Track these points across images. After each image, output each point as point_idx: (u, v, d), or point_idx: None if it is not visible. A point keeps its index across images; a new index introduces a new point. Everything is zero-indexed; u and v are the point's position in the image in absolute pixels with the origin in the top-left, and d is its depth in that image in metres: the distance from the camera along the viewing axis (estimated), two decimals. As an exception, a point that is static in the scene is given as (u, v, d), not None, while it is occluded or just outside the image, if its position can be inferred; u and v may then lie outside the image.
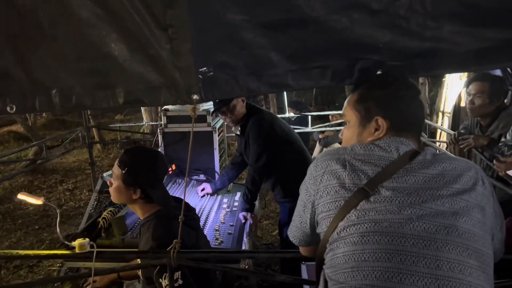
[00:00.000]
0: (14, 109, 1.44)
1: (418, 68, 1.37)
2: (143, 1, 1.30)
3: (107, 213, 2.56)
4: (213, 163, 3.68)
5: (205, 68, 1.38)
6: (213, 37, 1.37)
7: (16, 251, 1.52)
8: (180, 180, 3.49)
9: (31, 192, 6.86)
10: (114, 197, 1.78)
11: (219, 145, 3.74)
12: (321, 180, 1.17)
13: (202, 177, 3.61)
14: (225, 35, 1.37)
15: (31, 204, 6.36)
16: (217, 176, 3.58)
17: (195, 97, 1.40)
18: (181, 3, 1.31)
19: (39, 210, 6.15)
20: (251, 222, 2.80)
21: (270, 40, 1.37)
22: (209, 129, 3.61)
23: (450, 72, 1.43)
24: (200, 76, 1.38)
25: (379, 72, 1.38)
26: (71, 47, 1.39)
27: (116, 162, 1.76)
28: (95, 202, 3.32)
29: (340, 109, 6.83)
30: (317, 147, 6.21)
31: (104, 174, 3.36)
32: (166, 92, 1.40)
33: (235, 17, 1.34)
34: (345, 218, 1.08)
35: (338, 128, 6.05)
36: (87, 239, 1.53)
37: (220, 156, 3.81)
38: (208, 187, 3.28)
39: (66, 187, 7.35)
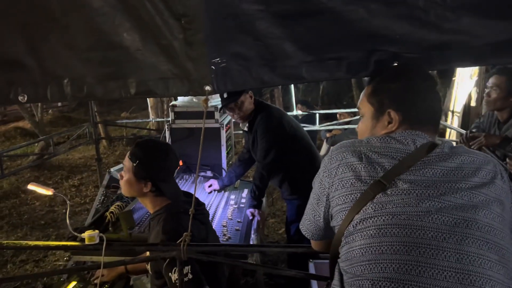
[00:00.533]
0: (26, 98, 1.43)
1: (435, 61, 1.34)
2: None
3: (115, 207, 2.55)
4: (220, 160, 3.66)
5: (218, 59, 1.36)
6: (227, 27, 1.35)
7: (26, 242, 1.52)
8: (187, 176, 3.47)
9: (38, 187, 6.88)
10: (124, 190, 1.77)
11: (226, 142, 3.72)
12: (336, 172, 1.15)
13: (209, 173, 3.60)
14: (239, 25, 1.35)
15: (37, 199, 6.40)
16: (224, 173, 3.57)
17: (207, 88, 1.38)
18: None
19: (45, 205, 6.17)
20: (259, 218, 2.78)
21: (284, 30, 1.35)
22: (217, 125, 3.59)
23: (468, 66, 1.40)
24: (213, 67, 1.36)
25: (395, 64, 1.36)
26: (83, 36, 1.38)
27: (128, 154, 1.74)
28: (102, 197, 3.31)
29: (347, 108, 6.80)
30: (324, 146, 6.19)
31: (112, 169, 3.35)
32: (179, 82, 1.39)
33: (250, 7, 1.32)
34: (361, 211, 1.06)
35: (345, 126, 6.02)
36: (97, 231, 1.52)
37: (227, 153, 3.79)
38: (215, 184, 3.27)
39: (72, 183, 7.36)
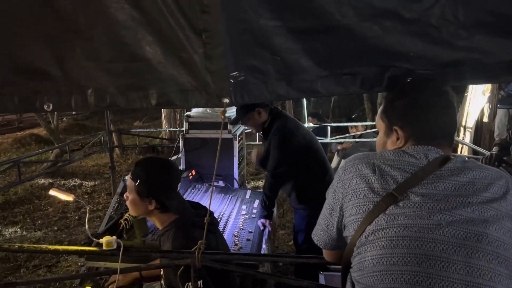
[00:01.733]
0: (51, 107, 1.49)
1: (449, 77, 1.37)
2: (179, 6, 1.33)
3: (129, 214, 2.59)
4: (232, 170, 3.71)
5: (236, 73, 1.41)
6: (245, 41, 1.40)
7: (45, 246, 1.56)
8: (199, 185, 3.52)
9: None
10: (131, 210, 1.80)
11: (238, 152, 3.76)
12: (349, 183, 1.18)
13: (221, 183, 3.63)
14: (256, 40, 1.40)
15: (51, 205, 6.49)
16: (235, 183, 3.61)
17: (225, 100, 1.43)
18: (216, 8, 1.34)
19: (58, 211, 6.26)
20: (270, 229, 2.80)
21: (301, 46, 1.39)
22: (230, 136, 3.64)
23: (481, 83, 1.43)
24: (231, 80, 1.41)
25: (408, 80, 1.39)
26: (107, 48, 1.43)
27: (129, 175, 1.78)
28: (116, 204, 3.36)
29: (358, 121, 6.81)
30: (335, 158, 6.19)
31: (126, 177, 3.41)
32: (198, 94, 1.43)
33: (267, 23, 1.37)
34: (374, 222, 1.09)
35: (357, 140, 6.03)
36: (114, 237, 1.56)
37: (239, 163, 3.83)
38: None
39: (84, 190, 7.46)
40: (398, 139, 1.24)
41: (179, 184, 1.96)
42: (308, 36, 1.40)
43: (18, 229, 5.61)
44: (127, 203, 1.80)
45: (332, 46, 1.40)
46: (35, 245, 1.57)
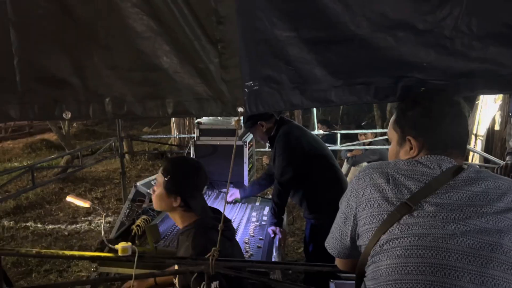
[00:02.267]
0: (70, 116, 1.53)
1: (462, 88, 1.39)
2: (196, 17, 1.36)
3: (141, 221, 2.62)
4: (242, 177, 3.72)
5: (251, 82, 1.43)
6: (260, 52, 1.42)
7: (62, 251, 1.59)
8: (210, 192, 3.54)
9: (61, 199, 7.07)
10: (155, 204, 1.84)
11: (248, 159, 3.78)
12: (363, 193, 1.19)
13: (231, 190, 3.65)
14: (271, 50, 1.42)
15: (61, 210, 6.55)
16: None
17: (240, 109, 1.45)
18: (231, 19, 1.36)
19: (68, 216, 6.31)
20: (280, 236, 2.81)
21: (315, 56, 1.42)
22: (240, 143, 3.66)
23: (494, 93, 1.44)
24: (246, 89, 1.43)
25: (422, 89, 1.41)
26: (125, 57, 1.47)
27: (160, 170, 1.82)
28: (128, 210, 3.39)
29: (367, 129, 6.79)
30: (345, 166, 6.19)
31: (138, 183, 3.44)
32: (213, 103, 1.46)
33: (282, 33, 1.40)
34: (388, 231, 1.10)
35: (367, 147, 6.02)
36: (129, 243, 1.59)
37: (249, 170, 3.85)
38: (236, 193, 3.34)
39: (94, 196, 7.51)
40: (411, 148, 1.25)
41: (205, 187, 2.00)
42: (322, 47, 1.42)
43: (29, 234, 5.67)
44: (153, 196, 1.84)
45: (345, 56, 1.43)
46: (51, 251, 1.60)
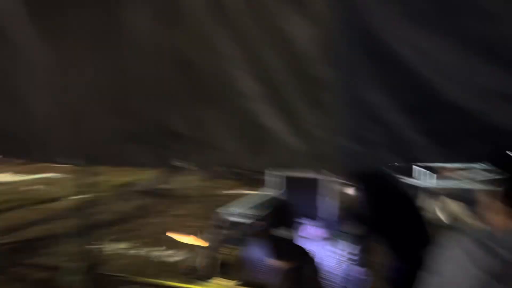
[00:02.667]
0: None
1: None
2: (303, 84, 1.54)
3: (227, 249, 2.62)
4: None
5: (348, 144, 1.56)
6: (357, 115, 1.55)
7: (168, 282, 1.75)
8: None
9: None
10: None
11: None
12: (453, 259, 1.22)
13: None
14: (367, 114, 1.55)
15: (152, 225, 6.63)
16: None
17: (336, 167, 1.59)
18: (334, 86, 1.52)
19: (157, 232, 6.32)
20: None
21: (409, 120, 1.52)
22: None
23: None
24: (343, 150, 1.57)
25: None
26: (234, 119, 1.68)
27: None
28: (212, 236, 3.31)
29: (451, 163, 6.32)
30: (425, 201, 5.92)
31: (223, 210, 3.31)
32: (313, 161, 1.61)
33: (376, 97, 1.52)
34: None
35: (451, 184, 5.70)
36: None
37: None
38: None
39: (174, 213, 7.47)
40: None
41: None
42: (417, 112, 1.51)
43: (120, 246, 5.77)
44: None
45: (438, 121, 1.51)
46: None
